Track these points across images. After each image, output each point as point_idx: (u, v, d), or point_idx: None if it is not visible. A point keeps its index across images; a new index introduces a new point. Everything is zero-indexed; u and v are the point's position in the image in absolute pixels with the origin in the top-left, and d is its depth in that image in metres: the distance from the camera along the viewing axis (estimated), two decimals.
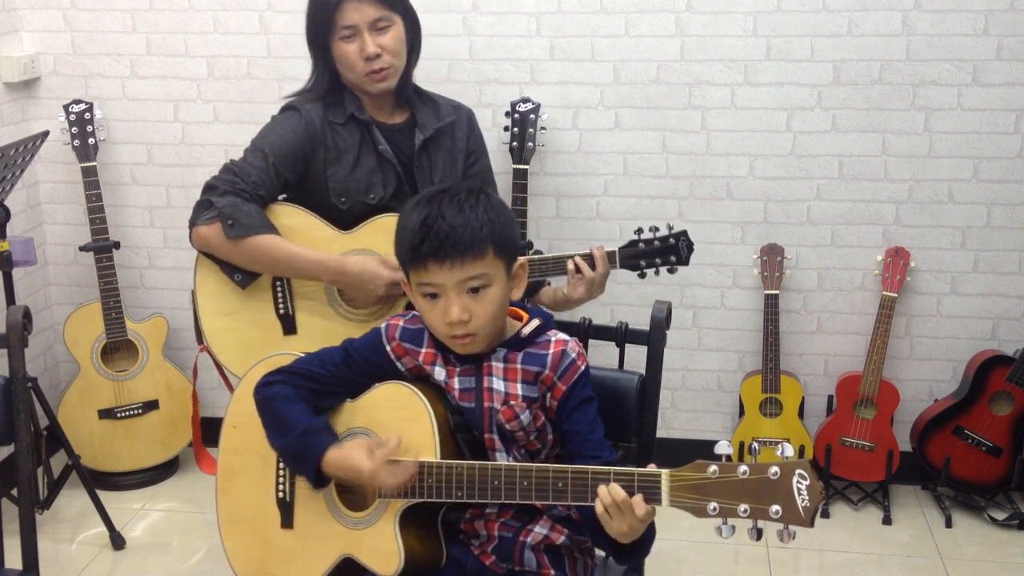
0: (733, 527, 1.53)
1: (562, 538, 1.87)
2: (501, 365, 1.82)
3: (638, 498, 1.57)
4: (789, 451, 1.51)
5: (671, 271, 2.45)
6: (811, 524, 1.47)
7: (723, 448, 1.53)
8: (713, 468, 1.52)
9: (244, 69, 3.42)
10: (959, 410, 3.23)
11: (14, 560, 2.10)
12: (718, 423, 3.52)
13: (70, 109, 3.35)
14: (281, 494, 1.93)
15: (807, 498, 1.47)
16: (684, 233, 2.43)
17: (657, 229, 2.44)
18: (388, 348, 1.88)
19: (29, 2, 3.44)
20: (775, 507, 1.48)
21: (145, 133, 3.52)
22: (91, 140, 3.35)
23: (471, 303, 1.73)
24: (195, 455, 2.89)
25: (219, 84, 3.44)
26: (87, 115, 3.35)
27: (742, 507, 1.50)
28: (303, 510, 1.91)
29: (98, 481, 3.34)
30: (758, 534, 1.52)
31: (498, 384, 1.82)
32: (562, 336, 1.85)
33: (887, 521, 3.25)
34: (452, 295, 1.72)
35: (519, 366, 1.81)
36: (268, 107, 3.34)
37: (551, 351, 1.81)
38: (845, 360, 3.40)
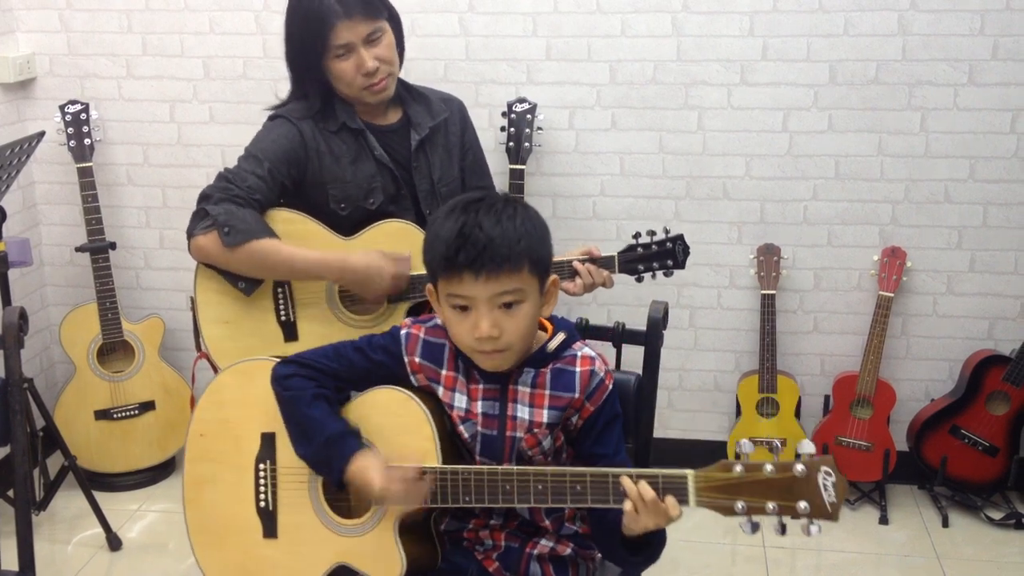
0: (757, 524, 1.54)
1: (568, 550, 1.86)
2: (528, 390, 1.77)
3: (671, 499, 1.56)
4: (809, 448, 1.51)
5: (667, 275, 2.46)
6: (837, 519, 1.50)
7: (746, 447, 1.54)
8: (739, 468, 1.53)
9: (240, 70, 3.41)
10: (955, 410, 3.23)
11: (10, 561, 2.10)
12: (715, 423, 3.52)
13: (66, 110, 3.34)
14: (263, 503, 1.88)
15: (833, 493, 1.50)
16: (680, 237, 2.43)
17: (654, 233, 2.44)
18: (406, 360, 1.82)
19: (25, 2, 3.43)
20: (803, 503, 1.50)
21: (141, 134, 3.51)
22: (87, 141, 3.34)
23: (502, 318, 1.66)
24: None
25: (215, 85, 3.44)
26: (83, 116, 3.35)
27: (770, 504, 1.51)
28: (288, 517, 1.87)
29: (94, 482, 3.33)
30: (783, 529, 1.54)
31: (523, 412, 1.76)
32: (588, 352, 1.80)
33: (884, 521, 3.25)
34: (483, 309, 1.65)
35: (547, 392, 1.76)
36: (264, 108, 3.36)
37: (578, 370, 1.76)
38: (841, 360, 3.40)
